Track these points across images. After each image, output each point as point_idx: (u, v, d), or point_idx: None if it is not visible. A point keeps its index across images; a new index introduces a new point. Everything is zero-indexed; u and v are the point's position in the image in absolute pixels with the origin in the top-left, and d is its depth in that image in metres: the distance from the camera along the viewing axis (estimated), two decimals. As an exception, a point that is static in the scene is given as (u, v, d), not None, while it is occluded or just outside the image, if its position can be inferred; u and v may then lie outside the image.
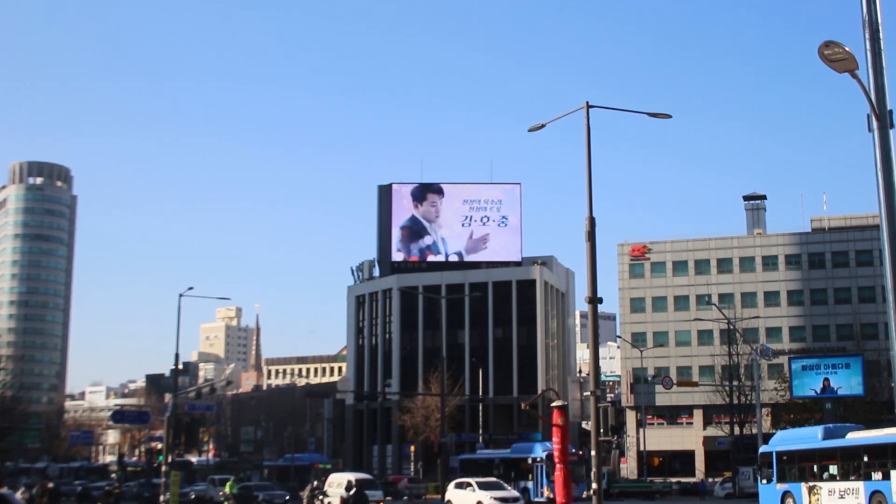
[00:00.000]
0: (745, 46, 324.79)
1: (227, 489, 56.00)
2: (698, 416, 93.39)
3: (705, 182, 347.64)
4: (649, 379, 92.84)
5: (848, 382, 60.92)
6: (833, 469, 37.96)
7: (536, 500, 54.41)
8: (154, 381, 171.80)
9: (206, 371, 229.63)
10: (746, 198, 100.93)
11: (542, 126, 28.16)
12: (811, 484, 38.50)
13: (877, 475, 35.08)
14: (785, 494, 39.98)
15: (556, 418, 25.41)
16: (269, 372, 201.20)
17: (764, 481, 42.15)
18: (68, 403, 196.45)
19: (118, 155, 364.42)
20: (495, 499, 45.36)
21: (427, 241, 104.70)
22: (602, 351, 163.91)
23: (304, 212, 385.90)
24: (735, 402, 73.49)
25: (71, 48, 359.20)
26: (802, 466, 39.71)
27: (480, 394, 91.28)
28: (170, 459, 47.06)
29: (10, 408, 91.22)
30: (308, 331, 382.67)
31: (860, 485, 35.74)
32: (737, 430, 72.45)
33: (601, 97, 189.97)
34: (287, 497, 55.53)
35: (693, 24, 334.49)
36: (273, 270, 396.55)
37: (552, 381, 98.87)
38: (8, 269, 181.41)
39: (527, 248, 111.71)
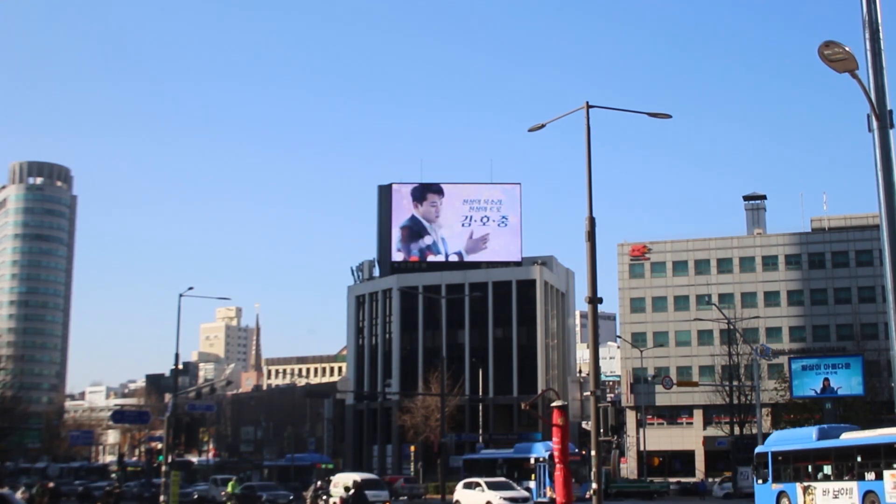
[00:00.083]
0: (745, 46, 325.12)
1: (229, 489, 55.98)
2: (698, 416, 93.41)
3: (705, 182, 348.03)
4: (649, 379, 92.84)
5: (848, 382, 60.94)
6: (827, 469, 38.22)
7: (539, 500, 54.36)
8: (154, 381, 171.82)
9: (206, 371, 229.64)
10: (746, 198, 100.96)
11: (542, 126, 28.17)
12: (806, 484, 38.74)
13: (870, 475, 35.33)
14: (780, 494, 40.24)
15: (556, 418, 25.40)
16: (269, 372, 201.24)
17: (760, 481, 42.39)
18: (68, 403, 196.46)
19: (118, 155, 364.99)
20: (505, 499, 44.78)
21: (427, 241, 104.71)
22: (602, 351, 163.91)
23: (304, 212, 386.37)
24: (735, 402, 73.50)
25: (71, 48, 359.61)
26: (797, 467, 39.99)
27: (480, 394, 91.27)
28: (170, 459, 47.00)
29: (10, 408, 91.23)
30: (308, 331, 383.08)
31: (853, 485, 35.98)
32: (737, 430, 72.46)
33: (601, 97, 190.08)
34: (291, 497, 55.47)
35: (693, 24, 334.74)
36: (273, 270, 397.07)
37: (552, 381, 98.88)
38: (8, 269, 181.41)
39: (527, 248, 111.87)
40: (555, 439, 25.53)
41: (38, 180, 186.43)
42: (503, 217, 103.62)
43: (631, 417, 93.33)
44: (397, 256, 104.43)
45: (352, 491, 38.02)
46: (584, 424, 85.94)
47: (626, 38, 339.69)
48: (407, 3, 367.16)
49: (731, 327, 70.30)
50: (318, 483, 49.44)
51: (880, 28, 11.64)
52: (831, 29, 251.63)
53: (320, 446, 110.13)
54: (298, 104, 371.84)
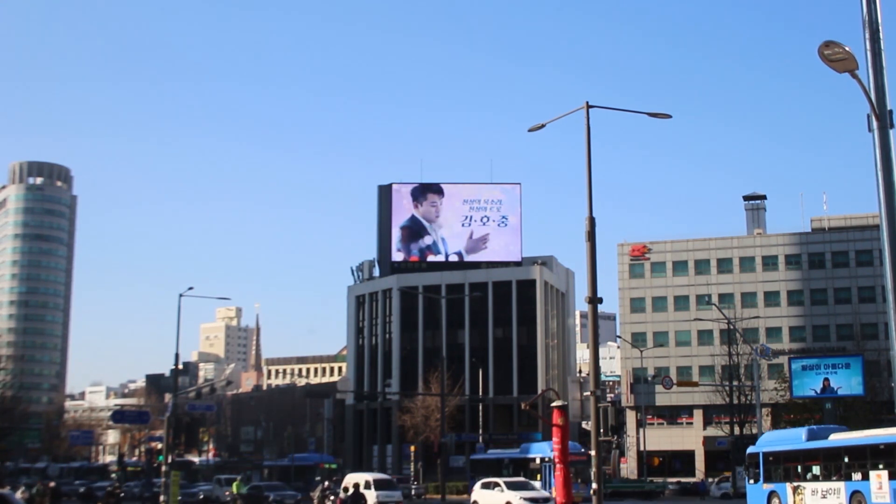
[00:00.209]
0: (745, 46, 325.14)
1: (234, 489, 55.96)
2: (698, 416, 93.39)
3: (705, 182, 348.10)
4: (649, 379, 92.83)
5: (848, 382, 61.04)
6: (816, 470, 38.78)
7: None
8: (154, 381, 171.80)
9: (206, 371, 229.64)
10: (746, 198, 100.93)
11: (542, 126, 28.19)
12: (795, 484, 39.27)
13: (856, 476, 35.88)
14: (771, 494, 40.75)
15: (556, 418, 25.42)
16: (269, 372, 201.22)
17: (751, 481, 42.94)
18: (68, 403, 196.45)
19: (118, 155, 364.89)
20: (525, 499, 43.80)
21: (427, 241, 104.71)
22: (602, 351, 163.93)
23: (304, 212, 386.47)
24: (735, 402, 73.45)
25: (71, 48, 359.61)
26: (787, 467, 40.53)
27: (480, 394, 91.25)
28: (170, 459, 47.03)
29: (10, 408, 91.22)
30: (308, 331, 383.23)
31: (841, 485, 36.56)
32: (737, 430, 72.40)
33: (601, 97, 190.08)
34: (299, 497, 55.34)
35: (693, 24, 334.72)
36: (273, 270, 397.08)
37: (552, 381, 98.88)
38: (8, 269, 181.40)
39: (527, 248, 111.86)
40: (555, 439, 25.56)
41: (38, 180, 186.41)
42: (503, 217, 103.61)
43: (631, 417, 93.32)
44: (397, 256, 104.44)
45: (351, 492, 38.24)
46: (584, 424, 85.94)
47: (626, 38, 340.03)
48: (407, 3, 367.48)
49: (731, 327, 70.31)
50: (326, 483, 49.30)
51: (880, 28, 11.64)
52: (831, 29, 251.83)
53: (320, 446, 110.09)
54: (298, 104, 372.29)
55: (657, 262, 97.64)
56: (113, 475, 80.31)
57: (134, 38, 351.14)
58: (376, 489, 47.76)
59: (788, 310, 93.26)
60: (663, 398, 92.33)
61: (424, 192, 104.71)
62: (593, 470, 25.53)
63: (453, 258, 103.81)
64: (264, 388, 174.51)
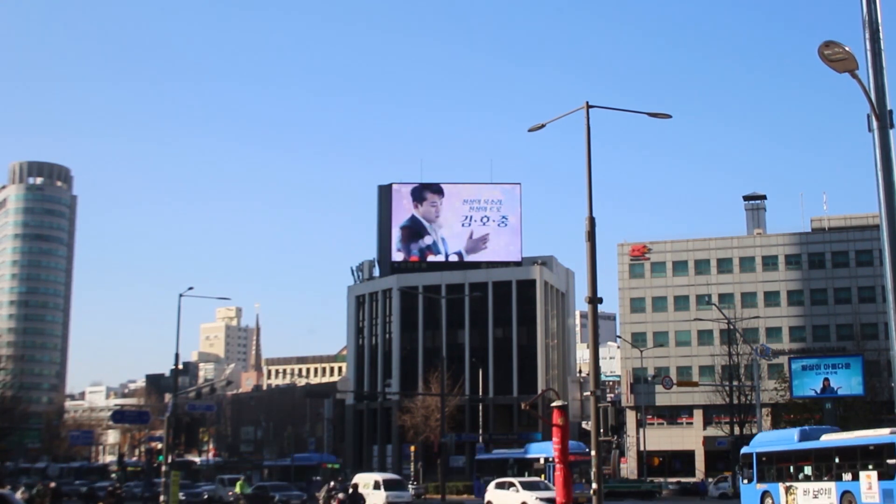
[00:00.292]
0: (745, 46, 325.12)
1: (237, 489, 55.95)
2: (698, 416, 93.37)
3: (705, 182, 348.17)
4: (649, 379, 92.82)
5: (848, 382, 61.04)
6: (808, 470, 39.08)
7: None
8: (154, 381, 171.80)
9: (206, 371, 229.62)
10: (746, 198, 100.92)
11: (542, 126, 28.18)
12: (788, 484, 39.55)
13: (847, 476, 36.18)
14: (764, 494, 41.01)
15: (556, 418, 25.42)
16: (269, 372, 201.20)
17: (745, 481, 43.25)
18: (68, 403, 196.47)
19: (118, 155, 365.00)
20: (540, 499, 43.32)
21: (427, 241, 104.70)
22: (602, 351, 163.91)
23: (304, 212, 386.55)
24: (735, 402, 73.48)
25: (71, 48, 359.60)
26: (780, 467, 40.83)
27: (480, 394, 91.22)
28: (170, 459, 47.04)
29: (10, 408, 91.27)
30: (308, 331, 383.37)
31: (832, 485, 36.85)
32: (737, 430, 72.41)
33: (601, 97, 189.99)
34: (304, 497, 55.36)
35: (693, 24, 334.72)
36: (273, 270, 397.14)
37: (552, 381, 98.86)
38: (8, 269, 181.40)
39: (527, 248, 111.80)
40: (555, 439, 25.54)
41: (38, 180, 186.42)
42: (503, 217, 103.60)
43: (631, 417, 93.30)
44: (397, 256, 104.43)
45: (350, 492, 38.31)
46: (584, 424, 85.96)
47: (626, 38, 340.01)
48: (407, 3, 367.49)
49: (731, 327, 70.32)
50: (332, 483, 49.32)
51: (880, 28, 11.64)
52: (831, 29, 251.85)
53: (320, 446, 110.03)
54: (298, 104, 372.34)
55: (657, 262, 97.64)
56: (113, 475, 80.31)
57: (134, 38, 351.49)
58: (386, 489, 47.82)
59: (788, 310, 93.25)
60: (663, 398, 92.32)
61: (424, 192, 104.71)
62: (593, 470, 25.54)
63: (453, 258, 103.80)
64: (264, 388, 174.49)
